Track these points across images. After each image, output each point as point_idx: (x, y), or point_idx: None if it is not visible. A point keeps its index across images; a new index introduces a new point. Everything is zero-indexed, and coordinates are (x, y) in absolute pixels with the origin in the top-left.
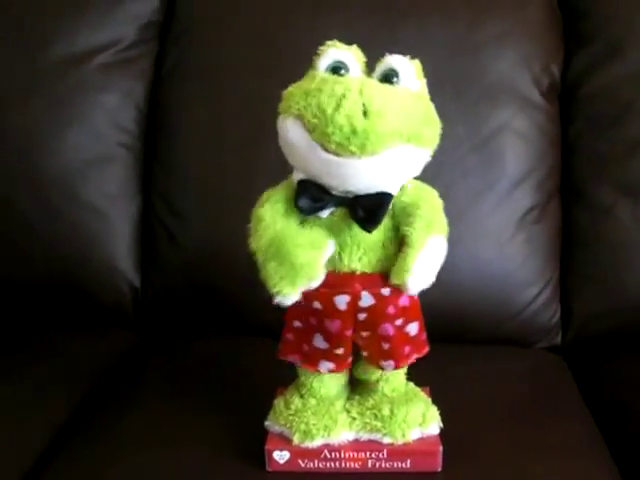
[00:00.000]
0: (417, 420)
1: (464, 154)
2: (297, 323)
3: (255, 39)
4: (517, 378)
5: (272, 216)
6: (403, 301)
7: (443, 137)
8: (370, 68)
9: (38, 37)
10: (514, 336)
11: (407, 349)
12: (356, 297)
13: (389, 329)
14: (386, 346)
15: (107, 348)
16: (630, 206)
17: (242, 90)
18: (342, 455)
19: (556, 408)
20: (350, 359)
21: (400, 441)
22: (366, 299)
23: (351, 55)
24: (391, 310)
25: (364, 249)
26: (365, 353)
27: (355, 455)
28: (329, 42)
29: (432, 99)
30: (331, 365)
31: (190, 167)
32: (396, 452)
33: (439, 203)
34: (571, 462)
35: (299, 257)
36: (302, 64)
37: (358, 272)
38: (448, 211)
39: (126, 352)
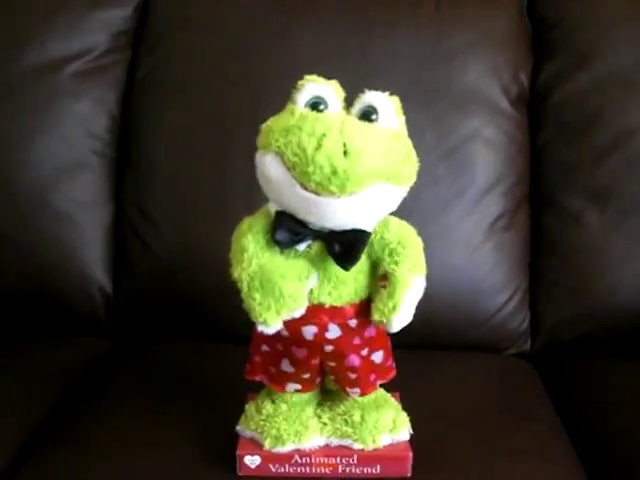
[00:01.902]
0: (387, 426)
1: (434, 162)
2: (265, 347)
3: (227, 48)
4: (486, 384)
5: (255, 246)
6: (369, 332)
7: (413, 146)
8: (342, 80)
9: (10, 46)
10: (483, 342)
11: (372, 377)
12: (323, 329)
13: (355, 360)
14: (353, 376)
15: (79, 355)
16: (598, 213)
17: (214, 98)
18: (313, 460)
19: (525, 413)
20: (318, 381)
21: (370, 447)
22: (333, 331)
23: (330, 90)
24: (357, 341)
25: (334, 283)
26: (332, 378)
27: (326, 460)
28: (308, 77)
29: (402, 108)
30: (298, 386)
31: (162, 174)
32: (366, 458)
33: (420, 242)
34: (539, 466)
35: (286, 288)
36: (272, 74)
37: (327, 305)
38: (417, 219)
39: (98, 359)
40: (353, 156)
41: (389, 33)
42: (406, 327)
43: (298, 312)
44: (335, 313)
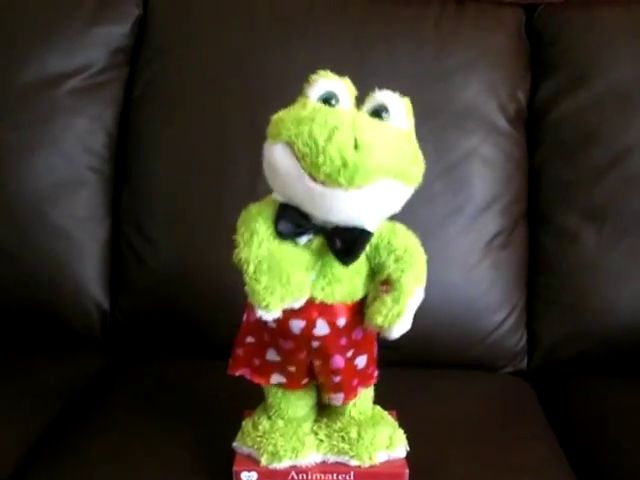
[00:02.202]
0: (384, 443)
1: (431, 179)
2: (250, 339)
3: (224, 64)
4: (483, 402)
5: (267, 231)
6: (356, 334)
7: None
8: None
9: (9, 62)
10: (480, 361)
11: (355, 382)
12: (312, 324)
13: (340, 361)
14: (336, 379)
15: (76, 371)
16: (595, 231)
17: (211, 115)
18: (309, 477)
19: (521, 431)
20: (305, 381)
21: (367, 463)
22: (321, 328)
23: (343, 86)
24: (343, 342)
25: (329, 280)
26: (320, 381)
27: (322, 477)
28: (321, 71)
29: None
30: (283, 379)
31: (159, 191)
32: (363, 474)
33: (424, 255)
34: None
35: (294, 276)
36: (270, 89)
37: (317, 301)
38: (415, 235)
39: (95, 375)
40: (363, 150)
41: (388, 49)
42: (403, 344)
43: (299, 303)
44: (325, 310)
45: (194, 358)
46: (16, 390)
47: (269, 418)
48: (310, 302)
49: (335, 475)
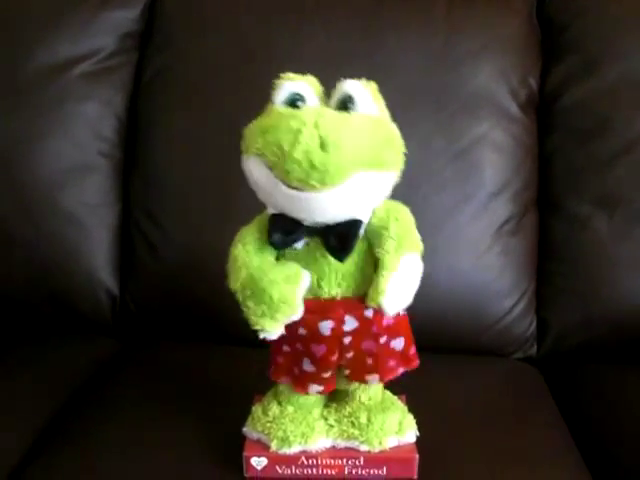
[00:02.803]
0: (394, 428)
1: (442, 166)
2: (286, 347)
3: (236, 50)
4: (493, 387)
5: (245, 256)
6: (387, 320)
7: (421, 149)
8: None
9: (19, 47)
10: (490, 346)
11: (392, 363)
12: (340, 322)
13: (372, 346)
14: (369, 361)
15: (87, 356)
16: (606, 219)
17: (222, 101)
18: (319, 462)
19: (531, 417)
20: (335, 379)
21: (377, 449)
22: (350, 323)
23: (306, 85)
24: (375, 329)
25: (342, 274)
26: (347, 372)
27: (332, 462)
28: (283, 75)
29: (411, 112)
30: (320, 388)
31: (170, 177)
32: (373, 459)
33: (410, 220)
34: (546, 470)
35: (275, 293)
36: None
37: (339, 297)
38: (425, 222)
39: (105, 360)
40: (330, 148)
41: (399, 36)
42: (413, 330)
43: (294, 315)
44: (350, 305)
45: (204, 343)
46: (27, 375)
47: (279, 404)
48: (333, 301)
49: (345, 460)
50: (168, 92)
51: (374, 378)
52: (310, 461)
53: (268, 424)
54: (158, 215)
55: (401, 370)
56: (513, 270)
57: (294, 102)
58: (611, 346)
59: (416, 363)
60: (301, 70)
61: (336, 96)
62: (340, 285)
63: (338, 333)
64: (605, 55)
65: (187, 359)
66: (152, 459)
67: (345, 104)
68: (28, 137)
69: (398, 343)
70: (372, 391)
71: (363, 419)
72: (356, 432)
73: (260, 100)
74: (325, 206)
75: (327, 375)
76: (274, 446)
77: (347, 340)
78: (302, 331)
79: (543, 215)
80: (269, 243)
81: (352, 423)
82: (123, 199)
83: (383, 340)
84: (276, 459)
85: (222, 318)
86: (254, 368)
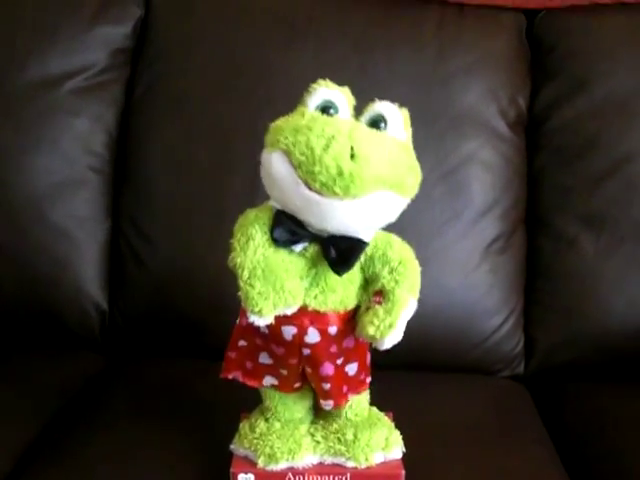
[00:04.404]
0: (380, 444)
1: (431, 184)
2: (242, 342)
3: (226, 66)
4: (480, 405)
5: (262, 237)
6: (347, 342)
7: None
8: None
9: (10, 61)
10: (477, 364)
11: (345, 388)
12: (303, 331)
13: (329, 369)
14: (326, 387)
15: (74, 371)
16: (593, 238)
17: (212, 116)
18: (306, 478)
19: (518, 434)
20: (297, 385)
21: (363, 465)
22: (312, 335)
23: (342, 96)
24: (334, 349)
25: (322, 288)
26: (312, 386)
27: (319, 478)
28: (321, 81)
29: None
30: (275, 381)
31: (159, 192)
32: (359, 476)
33: (418, 266)
34: None
35: (287, 283)
36: (272, 91)
37: (310, 308)
38: (414, 240)
39: (93, 375)
40: (360, 160)
41: (389, 53)
42: (400, 348)
43: (291, 309)
44: (317, 318)
45: (192, 359)
46: (14, 390)
47: (266, 420)
48: (302, 309)
49: (332, 476)
50: (158, 107)
51: (329, 404)
52: (297, 477)
53: (255, 440)
54: (147, 230)
55: (351, 395)
56: (501, 288)
57: (326, 109)
58: (598, 364)
59: (364, 388)
60: (290, 85)
61: (368, 114)
62: (316, 297)
63: (299, 341)
64: (592, 75)
65: (174, 375)
66: (138, 475)
67: (377, 123)
68: (18, 151)
69: (352, 368)
70: (358, 408)
71: (350, 435)
72: (343, 448)
73: (250, 115)
74: (339, 215)
75: (284, 372)
76: (261, 462)
77: (306, 352)
78: (264, 329)
79: (531, 234)
80: (271, 238)
81: (339, 439)
82: (113, 214)
83: (339, 362)
84: (263, 475)
85: (210, 334)
86: (241, 385)
